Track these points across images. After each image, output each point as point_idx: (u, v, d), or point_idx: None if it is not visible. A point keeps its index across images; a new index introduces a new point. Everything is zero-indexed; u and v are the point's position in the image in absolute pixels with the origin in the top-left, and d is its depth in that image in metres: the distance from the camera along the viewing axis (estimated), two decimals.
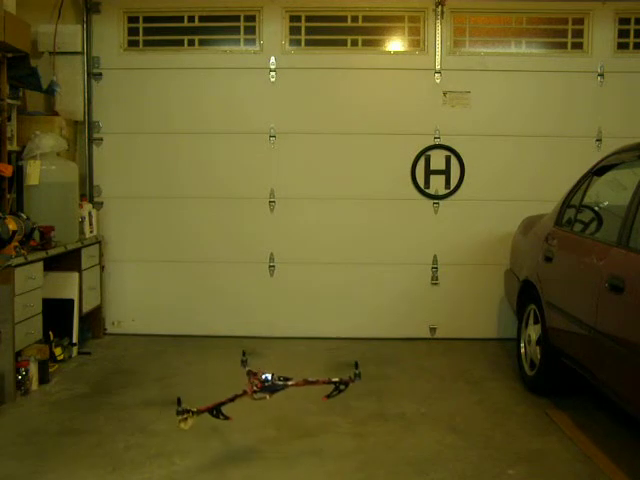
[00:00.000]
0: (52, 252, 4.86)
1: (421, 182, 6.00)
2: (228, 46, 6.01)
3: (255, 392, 3.58)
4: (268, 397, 3.63)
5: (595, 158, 4.64)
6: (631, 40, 5.90)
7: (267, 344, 5.81)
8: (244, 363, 4.07)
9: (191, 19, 5.96)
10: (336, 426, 4.04)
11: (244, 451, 3.67)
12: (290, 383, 3.68)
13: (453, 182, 6.00)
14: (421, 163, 5.99)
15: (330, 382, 3.78)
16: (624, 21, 5.88)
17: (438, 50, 5.90)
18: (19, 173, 5.07)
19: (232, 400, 3.59)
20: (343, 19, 5.95)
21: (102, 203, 6.06)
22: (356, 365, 3.75)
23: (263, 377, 3.62)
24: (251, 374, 3.74)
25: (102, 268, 5.93)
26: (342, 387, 3.77)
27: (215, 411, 3.57)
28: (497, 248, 5.89)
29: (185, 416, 3.46)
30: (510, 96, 5.94)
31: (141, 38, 6.00)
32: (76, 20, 5.89)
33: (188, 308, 6.10)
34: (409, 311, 6.05)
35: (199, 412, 3.52)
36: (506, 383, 4.85)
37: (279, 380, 3.66)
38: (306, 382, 3.77)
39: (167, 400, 4.43)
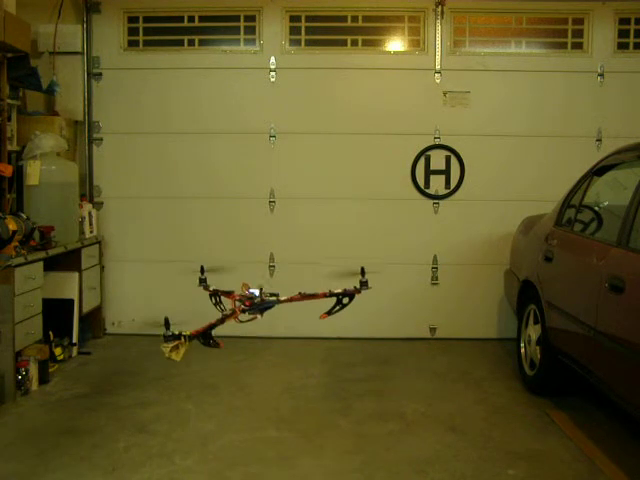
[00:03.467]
0: (52, 252, 4.86)
1: (421, 182, 6.00)
2: (228, 46, 6.01)
3: (244, 311, 3.16)
4: (259, 317, 3.21)
5: (595, 158, 4.64)
6: (631, 40, 5.90)
7: (267, 344, 5.82)
8: (203, 282, 3.50)
9: (191, 19, 5.96)
10: (336, 426, 4.04)
11: (244, 451, 3.67)
12: (283, 298, 3.23)
13: (453, 182, 6.00)
14: (421, 163, 5.99)
15: (332, 294, 3.28)
16: (624, 21, 5.88)
17: (438, 50, 5.90)
18: (19, 173, 5.07)
19: (222, 322, 3.23)
20: (343, 19, 5.95)
21: (102, 203, 6.06)
22: (362, 272, 3.25)
23: (250, 293, 3.17)
24: (222, 293, 3.21)
25: (102, 268, 5.93)
26: (346, 301, 3.29)
27: (205, 336, 3.18)
28: (497, 248, 5.89)
29: (176, 343, 3.08)
30: (510, 96, 5.95)
31: (141, 38, 6.00)
32: (76, 20, 5.89)
33: (188, 308, 6.08)
34: (409, 311, 6.05)
35: (191, 338, 3.14)
36: (506, 383, 4.85)
37: (269, 295, 3.19)
38: (303, 296, 3.29)
39: (167, 400, 4.44)
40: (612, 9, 5.83)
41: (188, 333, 3.08)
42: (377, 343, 5.87)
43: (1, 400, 4.26)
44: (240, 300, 3.10)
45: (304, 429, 3.99)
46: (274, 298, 3.16)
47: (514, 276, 5.20)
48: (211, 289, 3.29)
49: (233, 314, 3.14)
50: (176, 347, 3.09)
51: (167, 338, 3.05)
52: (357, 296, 5.86)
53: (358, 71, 5.94)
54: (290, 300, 3.20)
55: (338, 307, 3.25)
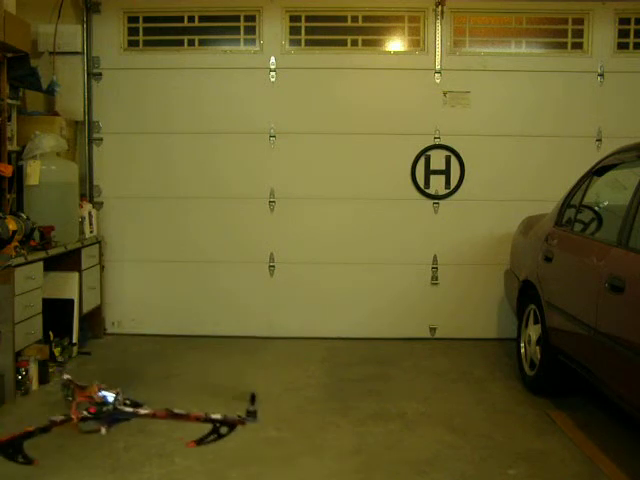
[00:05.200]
0: (52, 252, 4.86)
1: (421, 182, 5.99)
2: (228, 46, 6.01)
3: (84, 419, 2.48)
4: (103, 431, 2.51)
5: (595, 158, 4.64)
6: (631, 40, 5.90)
7: (267, 344, 5.82)
8: (59, 367, 2.80)
9: (191, 19, 5.96)
10: (336, 426, 4.04)
11: (244, 451, 3.67)
12: (143, 412, 2.63)
13: (453, 182, 6.00)
14: (421, 163, 5.99)
15: (207, 419, 2.66)
16: (624, 21, 5.88)
17: (438, 50, 5.90)
18: (19, 173, 5.07)
19: (46, 430, 2.53)
20: (343, 19, 5.95)
21: (102, 203, 6.06)
22: (252, 399, 2.70)
23: (100, 396, 2.50)
24: (75, 387, 2.56)
25: (102, 268, 5.93)
26: (224, 431, 2.68)
27: (14, 447, 2.45)
28: (497, 248, 5.89)
29: None
30: (510, 96, 5.94)
31: (141, 38, 6.00)
32: (76, 20, 5.89)
33: (188, 308, 6.10)
34: (409, 311, 6.05)
35: None
36: (506, 383, 4.85)
37: (126, 405, 2.56)
38: (169, 414, 2.68)
39: (167, 400, 4.44)
40: (612, 9, 5.83)
41: None
42: (377, 343, 5.87)
43: (1, 400, 4.26)
44: (84, 404, 2.45)
45: (304, 429, 3.99)
46: (131, 410, 2.53)
47: (514, 276, 5.20)
48: (64, 377, 2.64)
49: (66, 421, 2.44)
50: None
51: None
52: (357, 298, 5.99)
53: (358, 71, 5.94)
54: (152, 416, 2.61)
55: (213, 436, 2.64)
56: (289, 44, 5.97)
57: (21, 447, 2.43)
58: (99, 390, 2.43)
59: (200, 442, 2.68)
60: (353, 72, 5.94)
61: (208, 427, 2.63)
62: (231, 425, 2.67)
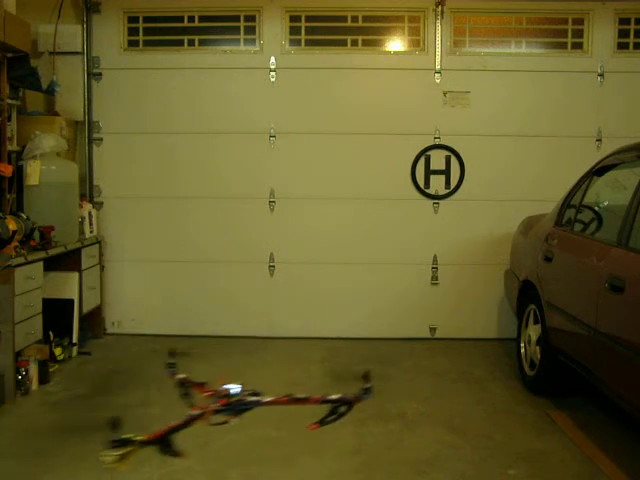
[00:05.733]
0: (52, 252, 4.86)
1: (421, 182, 5.99)
2: (228, 46, 6.01)
3: (217, 412, 2.63)
4: (233, 421, 2.64)
5: (595, 158, 4.64)
6: (631, 40, 5.90)
7: (267, 344, 5.82)
8: (171, 368, 2.97)
9: (191, 19, 5.96)
10: (336, 426, 4.02)
11: (244, 451, 3.67)
12: (266, 399, 2.74)
13: (453, 182, 6.00)
14: (421, 163, 5.99)
15: (326, 401, 2.77)
16: (624, 21, 5.88)
17: (438, 50, 5.90)
18: (19, 173, 5.07)
19: (186, 424, 2.67)
20: (343, 19, 5.95)
21: (102, 203, 6.06)
22: (366, 377, 2.79)
23: (226, 389, 2.64)
24: (193, 385, 2.75)
25: (102, 268, 5.93)
26: (343, 409, 2.81)
27: (164, 442, 2.63)
28: (497, 248, 5.89)
29: (124, 451, 2.47)
30: (510, 96, 5.95)
31: (141, 38, 6.00)
32: (76, 20, 5.89)
33: (188, 308, 6.10)
34: (409, 311, 6.05)
35: (145, 443, 2.57)
36: (506, 383, 4.85)
37: (251, 394, 2.69)
38: (292, 400, 2.82)
39: (167, 400, 4.44)
40: (612, 9, 5.83)
41: (142, 438, 2.48)
42: (377, 343, 5.87)
43: (1, 400, 4.26)
44: (213, 398, 2.59)
45: (304, 429, 3.97)
46: (256, 399, 2.66)
47: (514, 276, 5.20)
48: (179, 377, 2.76)
49: (202, 415, 2.59)
50: (123, 456, 2.44)
51: (114, 444, 2.40)
52: (357, 298, 6.01)
53: (358, 71, 5.94)
54: (275, 403, 2.74)
55: (333, 417, 2.76)
56: (289, 44, 5.97)
57: (170, 442, 2.61)
58: (223, 385, 2.59)
59: (322, 422, 2.79)
60: (353, 72, 5.94)
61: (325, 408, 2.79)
62: (349, 403, 2.78)
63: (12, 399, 4.31)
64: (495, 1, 5.91)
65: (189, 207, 6.05)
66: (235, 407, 2.63)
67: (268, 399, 2.72)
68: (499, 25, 6.00)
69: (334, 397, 2.77)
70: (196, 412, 2.62)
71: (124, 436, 2.48)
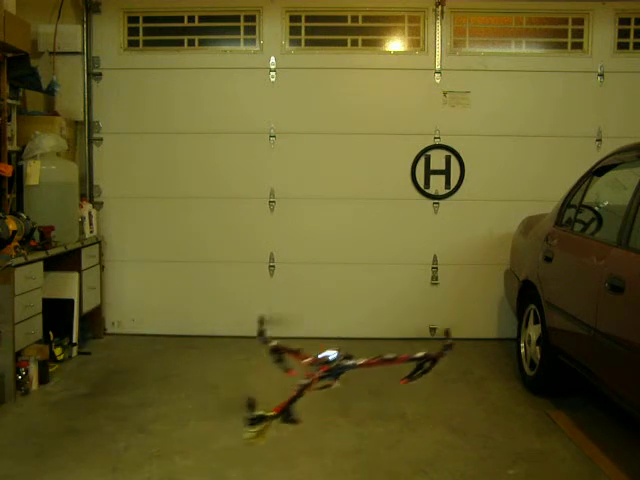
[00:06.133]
0: (52, 252, 4.86)
1: (421, 182, 6.00)
2: (228, 46, 6.01)
3: (321, 378, 2.88)
4: (335, 385, 2.92)
5: (595, 158, 4.64)
6: (631, 40, 5.90)
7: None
8: (262, 336, 3.21)
9: (191, 19, 5.96)
10: (336, 426, 4.04)
11: (244, 451, 3.67)
12: (360, 362, 2.98)
13: (453, 182, 6.00)
14: (421, 163, 5.99)
15: (412, 359, 3.08)
16: (624, 21, 5.88)
17: (438, 50, 5.90)
18: (19, 173, 5.07)
19: (301, 394, 2.91)
20: (343, 19, 5.95)
21: (102, 203, 6.06)
22: (447, 334, 3.07)
23: (325, 356, 2.86)
24: (288, 352, 2.97)
25: (102, 268, 5.93)
26: (427, 365, 3.07)
27: (286, 412, 2.89)
28: (497, 248, 5.89)
29: (262, 426, 2.73)
30: (510, 96, 5.94)
31: (141, 38, 6.00)
32: (76, 20, 5.89)
33: (188, 308, 6.10)
34: (409, 311, 6.04)
35: (275, 417, 2.81)
36: (506, 383, 4.85)
37: (345, 358, 2.92)
38: (382, 361, 3.09)
39: (167, 400, 4.44)
40: (612, 9, 5.83)
41: (272, 413, 2.73)
42: (377, 343, 5.86)
43: (1, 400, 4.26)
44: (315, 365, 2.82)
45: (304, 429, 3.98)
46: (351, 362, 2.91)
47: (514, 276, 5.20)
48: (273, 344, 3.01)
49: (310, 383, 2.85)
50: (260, 432, 2.74)
51: (253, 421, 2.68)
52: (357, 298, 5.99)
53: (358, 71, 5.94)
54: (368, 364, 2.99)
55: (420, 372, 3.07)
56: (289, 44, 5.97)
57: (291, 411, 2.83)
58: (321, 352, 2.79)
59: (410, 377, 3.08)
60: (353, 72, 5.94)
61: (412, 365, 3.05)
62: (433, 360, 3.05)
63: (12, 399, 4.31)
64: (495, 1, 5.91)
65: (189, 207, 6.05)
66: (335, 372, 2.85)
67: (362, 361, 2.92)
68: (499, 25, 6.00)
69: (419, 355, 3.05)
70: (305, 381, 2.84)
71: (258, 413, 2.70)
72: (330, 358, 2.85)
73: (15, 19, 4.87)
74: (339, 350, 2.84)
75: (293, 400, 2.87)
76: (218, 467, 3.47)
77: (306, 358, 2.91)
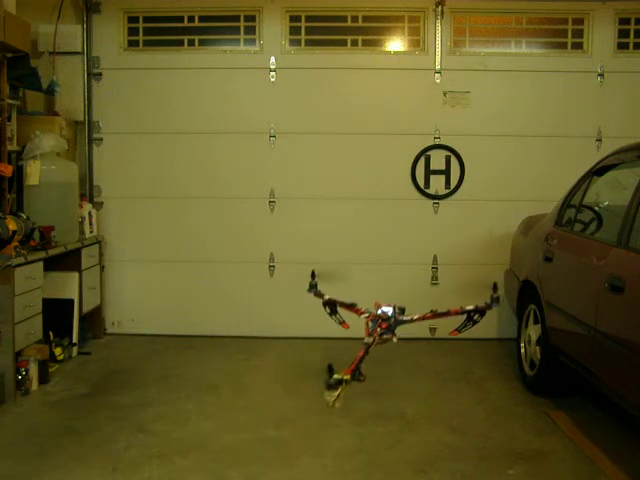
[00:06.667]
0: (52, 252, 4.86)
1: (421, 182, 6.00)
2: (228, 46, 6.01)
3: (381, 334, 3.05)
4: (395, 339, 3.07)
5: (595, 158, 4.64)
6: (631, 40, 5.90)
7: (266, 344, 5.82)
8: (314, 289, 3.26)
9: (191, 19, 5.96)
10: (336, 426, 4.03)
11: (244, 451, 3.67)
12: (416, 317, 3.17)
13: (453, 182, 6.00)
14: (421, 163, 5.99)
15: (463, 311, 3.29)
16: (624, 21, 5.88)
17: (438, 50, 5.90)
18: (19, 173, 5.07)
19: (367, 352, 3.09)
20: (343, 19, 5.95)
21: (102, 203, 6.06)
22: (494, 287, 3.20)
23: (384, 312, 2.99)
24: (341, 305, 3.06)
25: (102, 268, 5.93)
26: (477, 317, 3.28)
27: (356, 372, 3.09)
28: (497, 248, 5.89)
29: (340, 390, 2.89)
30: (510, 96, 5.94)
31: (141, 38, 6.00)
32: (76, 20, 5.89)
33: (188, 308, 6.10)
34: (409, 311, 5.96)
35: (349, 381, 2.98)
36: (506, 383, 4.84)
37: (400, 314, 3.03)
38: (435, 314, 3.30)
39: (167, 400, 4.44)
40: (612, 9, 5.83)
41: (347, 377, 2.91)
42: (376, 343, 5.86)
43: (1, 400, 4.26)
44: (374, 321, 2.96)
45: (304, 429, 3.99)
46: (408, 317, 3.07)
47: (514, 276, 5.20)
48: (325, 298, 3.10)
49: (374, 341, 3.03)
50: (339, 395, 2.89)
51: (331, 386, 2.85)
52: (357, 298, 5.97)
53: (358, 71, 5.94)
54: (423, 318, 3.15)
55: (469, 324, 3.26)
56: (289, 44, 5.97)
57: (360, 370, 2.97)
58: (379, 308, 2.85)
59: (459, 329, 3.26)
60: (353, 72, 5.94)
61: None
62: (482, 312, 3.24)
63: (12, 399, 4.31)
64: (495, 1, 5.91)
65: (189, 207, 6.05)
66: (393, 327, 2.98)
67: (417, 316, 3.08)
68: (499, 25, 6.00)
69: (470, 307, 3.23)
70: (369, 339, 3.02)
71: (336, 376, 2.85)
72: (390, 313, 2.96)
73: (15, 19, 4.87)
74: (394, 305, 2.93)
75: (361, 359, 3.02)
76: (218, 467, 3.46)
77: (363, 313, 3.03)
